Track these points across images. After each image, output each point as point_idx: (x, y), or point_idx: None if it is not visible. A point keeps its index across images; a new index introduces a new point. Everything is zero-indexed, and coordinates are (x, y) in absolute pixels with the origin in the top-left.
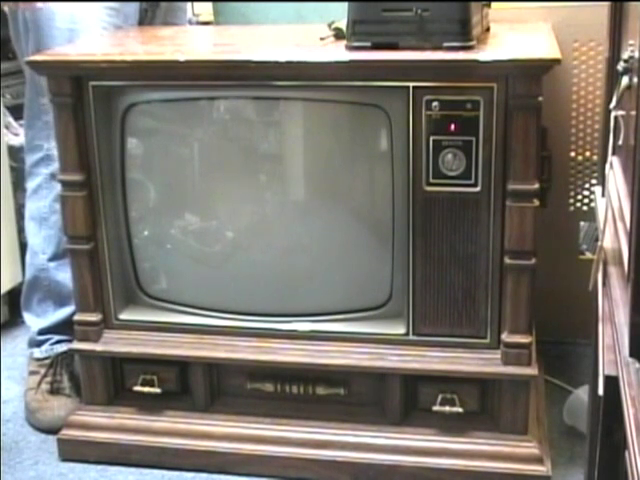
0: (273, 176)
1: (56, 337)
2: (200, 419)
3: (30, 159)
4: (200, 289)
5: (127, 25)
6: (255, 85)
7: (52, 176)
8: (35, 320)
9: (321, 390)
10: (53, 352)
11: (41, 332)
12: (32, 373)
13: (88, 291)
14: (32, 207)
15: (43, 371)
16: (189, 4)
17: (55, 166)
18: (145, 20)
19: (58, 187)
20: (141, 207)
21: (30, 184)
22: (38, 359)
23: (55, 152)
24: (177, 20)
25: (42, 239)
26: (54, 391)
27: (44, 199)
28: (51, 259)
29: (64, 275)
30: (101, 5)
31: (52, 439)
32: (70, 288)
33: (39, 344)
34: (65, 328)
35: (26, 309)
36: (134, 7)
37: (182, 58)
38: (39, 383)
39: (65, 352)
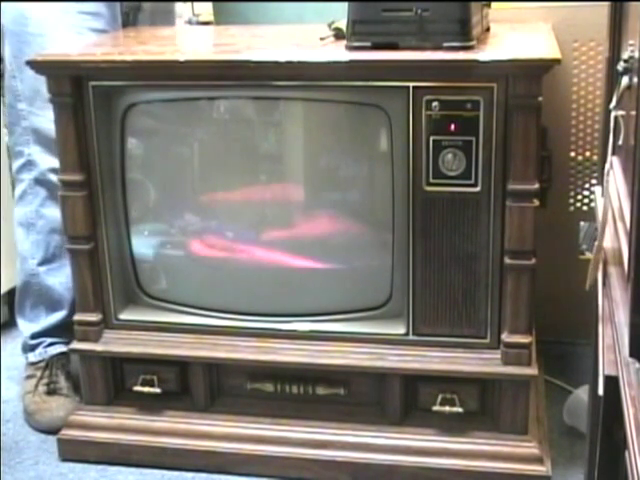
0: (273, 176)
1: (49, 340)
2: (200, 419)
3: (14, 165)
4: (200, 289)
5: (112, 29)
6: (255, 85)
7: (36, 181)
8: (27, 325)
9: (321, 390)
10: (47, 354)
11: (33, 336)
12: (28, 377)
13: (88, 291)
14: (19, 213)
15: (39, 374)
16: (189, 4)
17: (38, 171)
18: (127, 24)
19: (43, 192)
20: (141, 207)
21: (16, 190)
22: (33, 363)
23: (36, 157)
24: (166, 24)
25: (30, 244)
26: (51, 392)
27: (30, 204)
28: (40, 264)
29: (54, 280)
30: (75, 10)
31: (52, 439)
32: (61, 292)
33: (32, 348)
34: (57, 331)
35: (19, 314)
36: (117, 10)
37: (182, 58)
38: (36, 386)
39: (60, 353)
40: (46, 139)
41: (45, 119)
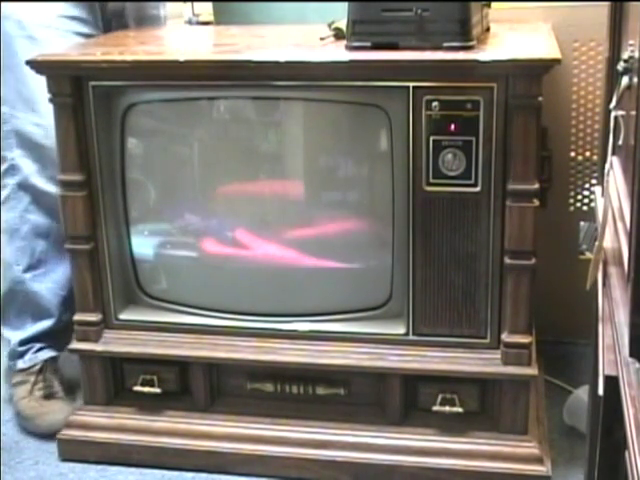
0: (273, 176)
1: (37, 345)
2: (200, 419)
3: None
4: (200, 289)
5: (97, 34)
6: (255, 85)
7: (19, 186)
8: (13, 333)
9: (321, 390)
10: (38, 359)
11: (21, 343)
12: (19, 384)
13: (88, 291)
14: (3, 219)
15: (32, 379)
16: (188, 4)
17: (21, 176)
18: (110, 30)
19: (26, 197)
20: (141, 207)
21: None
22: (23, 369)
23: (19, 162)
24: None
25: (15, 251)
26: (48, 396)
27: (13, 210)
28: (26, 270)
29: (40, 286)
30: (57, 14)
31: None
32: (48, 299)
33: (21, 355)
34: (46, 338)
35: (4, 323)
36: (97, 15)
37: (182, 58)
38: (30, 391)
39: (51, 358)
40: (29, 143)
41: (28, 123)
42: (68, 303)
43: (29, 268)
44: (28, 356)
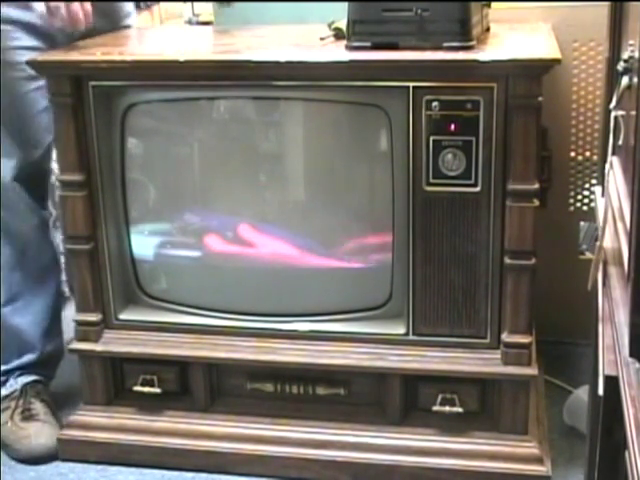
0: (273, 176)
1: (18, 371)
2: (200, 419)
3: None
4: (200, 289)
5: None
6: (255, 85)
7: None
8: None
9: (321, 390)
10: (19, 384)
11: (4, 373)
12: (3, 410)
13: (88, 291)
14: None
15: (13, 404)
16: (189, 4)
17: None
18: None
19: None
20: (141, 207)
21: None
22: (6, 396)
23: None
24: None
25: None
26: (27, 418)
27: None
28: (4, 304)
29: (21, 319)
30: (16, 45)
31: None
32: (30, 332)
33: (4, 383)
34: (30, 367)
35: None
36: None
37: (182, 58)
38: (11, 416)
39: (32, 381)
40: None
41: None
42: (49, 334)
43: (8, 302)
44: (9, 382)
